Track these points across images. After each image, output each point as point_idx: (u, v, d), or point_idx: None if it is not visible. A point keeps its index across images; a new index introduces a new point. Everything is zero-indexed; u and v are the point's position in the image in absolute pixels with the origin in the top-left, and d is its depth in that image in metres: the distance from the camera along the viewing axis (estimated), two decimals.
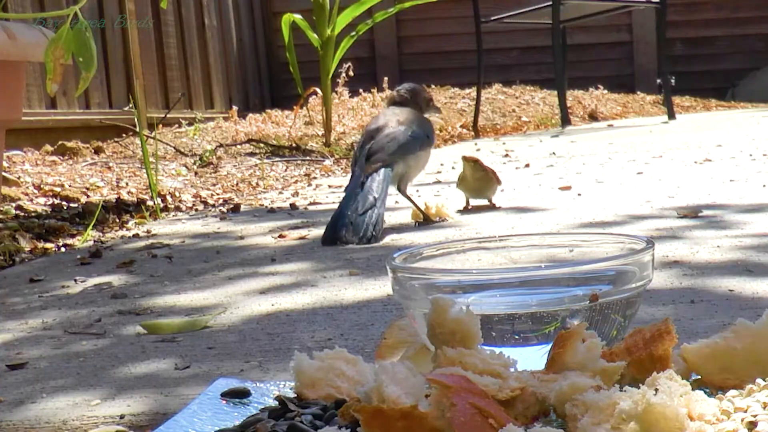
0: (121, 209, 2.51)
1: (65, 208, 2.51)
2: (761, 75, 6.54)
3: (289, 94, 6.26)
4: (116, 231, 2.21)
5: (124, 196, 2.72)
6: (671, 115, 4.74)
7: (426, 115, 2.00)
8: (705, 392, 0.67)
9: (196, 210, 2.47)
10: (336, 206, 1.83)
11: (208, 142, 4.07)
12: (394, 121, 1.90)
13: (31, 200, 2.58)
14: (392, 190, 1.90)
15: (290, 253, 1.66)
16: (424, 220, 1.90)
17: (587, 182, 2.39)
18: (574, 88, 5.85)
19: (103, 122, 4.06)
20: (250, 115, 5.12)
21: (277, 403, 0.77)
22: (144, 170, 2.92)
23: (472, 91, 5.48)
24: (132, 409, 0.86)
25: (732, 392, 0.66)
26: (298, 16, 3.93)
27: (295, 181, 3.13)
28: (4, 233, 2.11)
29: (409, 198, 1.93)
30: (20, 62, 1.79)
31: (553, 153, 3.33)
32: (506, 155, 3.40)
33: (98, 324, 1.23)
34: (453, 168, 3.09)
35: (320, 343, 1.05)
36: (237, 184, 3.10)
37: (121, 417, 0.85)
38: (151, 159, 2.88)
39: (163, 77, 5.00)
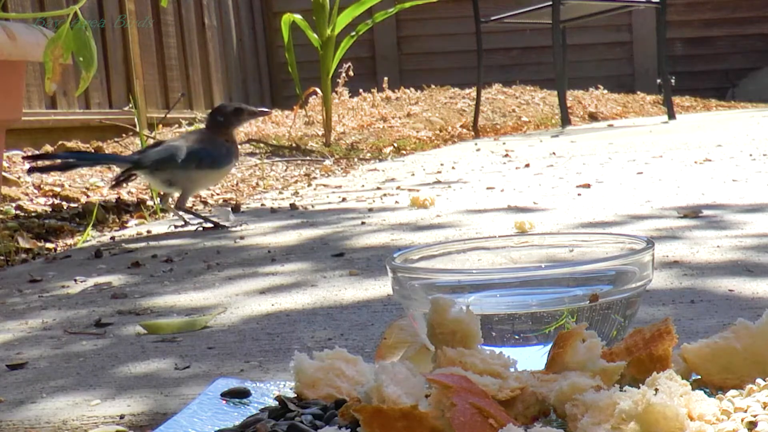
0: (121, 209, 2.51)
1: (65, 208, 2.51)
2: (761, 75, 6.54)
3: (289, 94, 6.26)
4: (116, 231, 2.21)
5: (124, 195, 2.72)
6: (671, 115, 4.74)
7: (235, 128, 2.12)
8: (705, 392, 0.67)
9: (196, 210, 2.47)
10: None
11: None
12: (178, 138, 2.13)
13: (31, 200, 2.58)
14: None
15: (290, 253, 1.66)
16: (214, 227, 2.03)
17: (587, 182, 2.39)
18: (574, 88, 5.85)
19: (103, 122, 4.06)
20: None
21: (277, 403, 0.77)
22: None
23: (472, 91, 5.48)
24: (132, 409, 0.86)
25: (732, 392, 0.66)
26: (298, 16, 3.93)
27: (295, 181, 3.13)
28: (4, 233, 2.11)
29: (189, 212, 2.09)
30: (20, 62, 1.79)
31: (553, 153, 3.33)
32: (506, 155, 3.40)
33: (98, 324, 1.23)
34: (453, 168, 3.09)
35: (320, 343, 1.05)
36: (237, 184, 3.10)
37: (121, 417, 0.85)
38: None
39: (163, 77, 5.00)
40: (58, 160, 2.06)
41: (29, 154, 2.05)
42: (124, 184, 2.24)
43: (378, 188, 2.63)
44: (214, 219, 2.06)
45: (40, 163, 2.07)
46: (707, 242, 1.46)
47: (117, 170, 3.11)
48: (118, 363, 1.03)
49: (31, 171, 2.13)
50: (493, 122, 5.23)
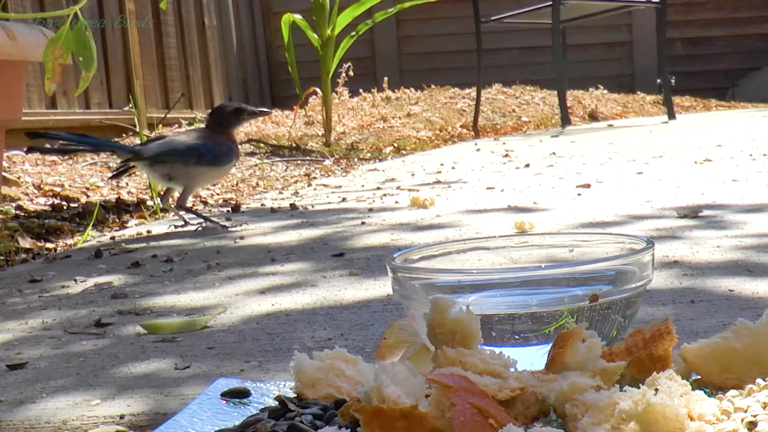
0: (121, 209, 2.51)
1: (65, 208, 2.51)
2: (761, 75, 6.54)
3: (289, 94, 6.26)
4: (116, 231, 2.21)
5: (124, 196, 2.72)
6: (671, 115, 4.75)
7: (236, 128, 2.11)
8: (705, 392, 0.67)
9: (196, 210, 2.47)
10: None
11: None
12: (181, 134, 2.14)
13: (31, 200, 2.58)
14: None
15: (290, 253, 1.67)
16: (219, 227, 2.03)
17: (587, 182, 2.39)
18: (574, 88, 5.85)
19: (103, 122, 4.06)
20: None
21: (277, 403, 0.77)
22: None
23: (472, 91, 5.48)
24: (132, 409, 0.86)
25: (732, 392, 0.66)
26: (298, 16, 3.93)
27: (295, 181, 3.13)
28: (4, 233, 2.11)
29: (189, 211, 2.09)
30: (20, 62, 1.79)
31: (553, 153, 3.33)
32: (506, 155, 3.40)
33: (98, 324, 1.23)
34: (453, 168, 3.09)
35: (320, 343, 1.05)
36: (237, 184, 3.11)
37: (121, 417, 0.85)
38: None
39: (163, 77, 5.00)
40: (59, 143, 2.06)
41: (30, 131, 2.04)
42: (123, 177, 2.24)
43: (378, 188, 2.63)
44: (215, 219, 2.06)
45: (40, 143, 2.08)
46: (707, 242, 1.46)
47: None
48: (118, 363, 1.03)
49: (30, 150, 2.14)
50: (493, 122, 5.23)
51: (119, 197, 2.66)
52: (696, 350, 0.73)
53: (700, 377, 0.73)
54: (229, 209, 2.38)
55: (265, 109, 2.19)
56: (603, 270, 0.85)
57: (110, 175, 2.21)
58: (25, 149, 2.35)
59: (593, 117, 5.50)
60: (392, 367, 0.70)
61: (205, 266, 1.59)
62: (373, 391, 0.67)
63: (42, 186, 2.74)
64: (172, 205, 2.08)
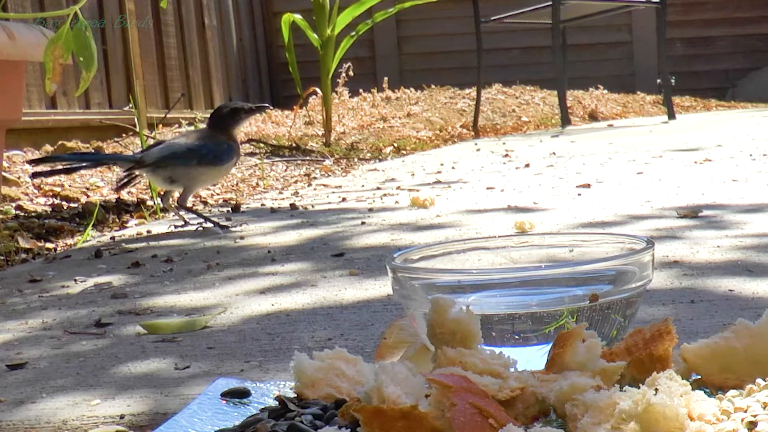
0: (121, 209, 2.51)
1: (65, 208, 2.51)
2: (761, 75, 6.54)
3: (289, 94, 6.26)
4: (116, 231, 2.21)
5: (124, 195, 2.72)
6: (671, 115, 4.75)
7: (236, 128, 2.10)
8: (705, 392, 0.67)
9: (197, 210, 2.47)
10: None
11: None
12: (179, 136, 2.14)
13: (31, 200, 2.58)
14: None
15: (290, 253, 1.67)
16: (219, 227, 2.03)
17: (587, 182, 2.39)
18: (574, 88, 5.85)
19: (103, 122, 4.06)
20: None
21: (277, 403, 0.77)
22: None
23: (472, 91, 5.48)
24: (132, 409, 0.86)
25: (732, 392, 0.66)
26: (298, 16, 3.93)
27: (295, 181, 3.13)
28: (4, 233, 2.11)
29: (190, 211, 2.09)
30: (20, 62, 1.79)
31: (553, 153, 3.33)
32: (506, 155, 3.40)
33: (98, 324, 1.23)
34: (453, 168, 3.09)
35: (320, 343, 1.05)
36: (237, 184, 3.11)
37: (121, 417, 0.85)
38: None
39: (163, 77, 5.00)
40: (61, 164, 2.06)
41: (32, 158, 2.05)
42: (128, 186, 2.24)
43: (378, 188, 2.63)
44: (215, 219, 2.06)
45: (42, 167, 2.08)
46: (707, 242, 1.46)
47: (118, 170, 3.12)
48: (118, 363, 1.03)
49: (35, 176, 2.15)
50: (493, 122, 5.23)
51: (119, 197, 2.66)
52: (696, 350, 0.73)
53: (700, 377, 0.73)
54: (229, 209, 2.38)
55: (263, 105, 2.19)
56: (603, 270, 0.85)
57: (116, 186, 2.22)
58: (29, 175, 2.36)
59: (593, 117, 5.50)
60: (392, 367, 0.70)
61: (205, 266, 1.59)
62: (373, 391, 0.67)
63: (42, 186, 2.74)
64: (173, 205, 2.08)
